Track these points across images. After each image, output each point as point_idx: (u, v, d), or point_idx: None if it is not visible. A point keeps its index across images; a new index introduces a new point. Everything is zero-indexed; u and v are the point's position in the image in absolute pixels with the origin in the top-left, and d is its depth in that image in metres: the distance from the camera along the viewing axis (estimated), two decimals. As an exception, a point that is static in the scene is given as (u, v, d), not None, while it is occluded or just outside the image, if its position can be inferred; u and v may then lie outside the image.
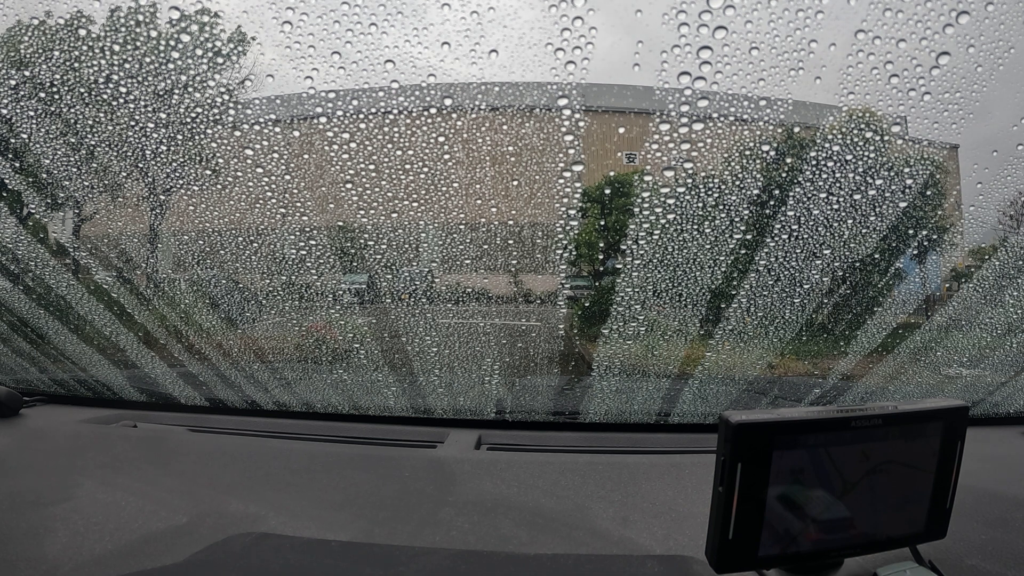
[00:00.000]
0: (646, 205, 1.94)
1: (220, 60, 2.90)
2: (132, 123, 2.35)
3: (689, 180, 1.97)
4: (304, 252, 2.32)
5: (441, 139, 2.18)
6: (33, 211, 2.71)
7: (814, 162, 1.94)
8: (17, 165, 2.33)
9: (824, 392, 1.76)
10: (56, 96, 2.33)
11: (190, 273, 2.83)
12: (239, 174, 2.51)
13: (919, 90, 1.57)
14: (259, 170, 2.39)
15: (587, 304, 4.16)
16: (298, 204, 2.45)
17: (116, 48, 2.22)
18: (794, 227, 1.96)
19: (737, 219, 2.04)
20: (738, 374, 1.97)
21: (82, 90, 2.30)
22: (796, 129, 3.00)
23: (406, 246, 2.60)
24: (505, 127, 2.62)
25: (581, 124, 1.80)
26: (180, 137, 2.69)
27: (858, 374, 1.90)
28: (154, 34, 2.22)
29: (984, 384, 1.70)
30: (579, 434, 1.47)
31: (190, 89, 2.58)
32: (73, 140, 2.40)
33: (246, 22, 2.64)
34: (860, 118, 2.10)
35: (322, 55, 1.64)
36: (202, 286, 2.61)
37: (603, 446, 1.37)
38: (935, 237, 3.63)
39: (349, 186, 2.14)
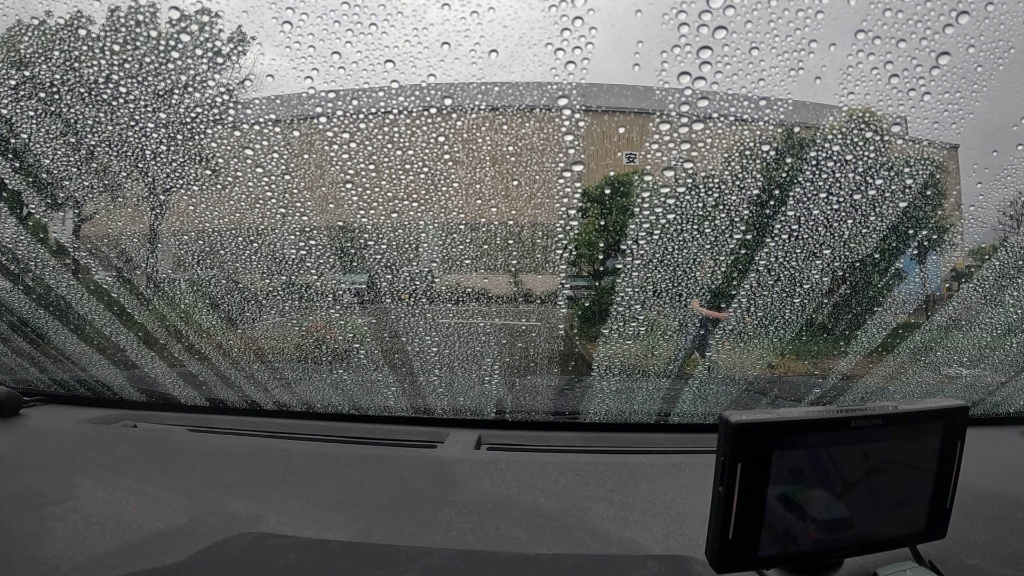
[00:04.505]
0: (646, 205, 1.94)
1: (220, 60, 2.90)
2: (132, 123, 2.35)
3: (689, 180, 1.97)
4: (304, 252, 2.32)
5: (441, 139, 2.18)
6: (33, 211, 2.71)
7: (814, 162, 1.94)
8: (17, 165, 2.33)
9: (824, 392, 1.76)
10: (56, 96, 2.33)
11: (190, 273, 2.83)
12: (239, 174, 2.51)
13: (919, 90, 1.57)
14: (259, 170, 2.39)
15: (587, 304, 4.17)
16: (298, 204, 2.45)
17: (116, 48, 2.22)
18: (794, 227, 1.96)
19: (737, 219, 2.04)
20: (738, 374, 1.97)
21: (82, 90, 2.30)
22: (796, 129, 3.01)
23: (406, 246, 2.60)
24: (505, 127, 2.62)
25: (581, 124, 1.80)
26: (180, 137, 2.69)
27: (858, 374, 1.90)
28: (154, 34, 2.22)
29: (984, 384, 1.69)
30: (579, 434, 1.47)
31: (190, 89, 2.59)
32: (73, 140, 2.40)
33: (246, 22, 2.65)
34: (860, 118, 2.10)
35: (322, 55, 1.64)
36: (202, 286, 2.61)
37: (603, 446, 1.37)
38: (935, 237, 3.63)
39: (349, 186, 2.14)
